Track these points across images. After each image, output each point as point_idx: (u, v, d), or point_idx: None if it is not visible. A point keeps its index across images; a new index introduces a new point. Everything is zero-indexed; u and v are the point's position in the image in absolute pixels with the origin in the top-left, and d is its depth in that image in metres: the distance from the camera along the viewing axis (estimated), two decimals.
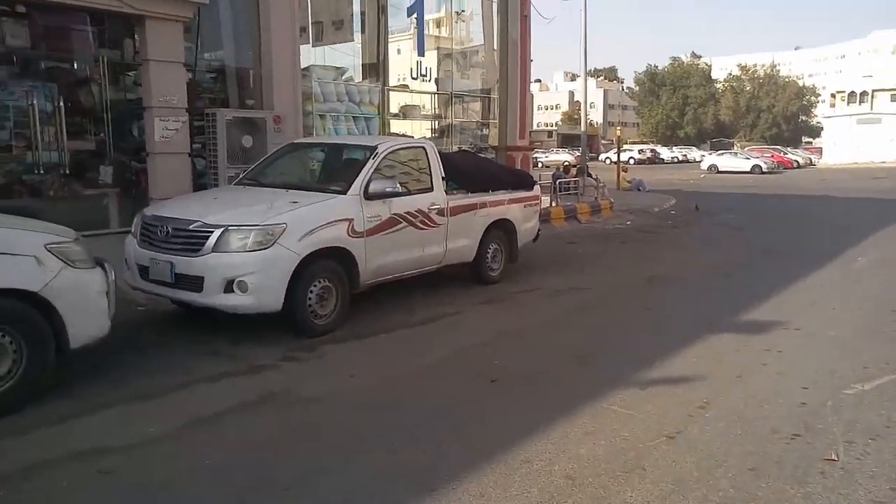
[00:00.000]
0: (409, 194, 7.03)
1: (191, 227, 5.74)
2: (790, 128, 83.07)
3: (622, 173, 23.92)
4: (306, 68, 10.76)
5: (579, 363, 5.37)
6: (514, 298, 7.64)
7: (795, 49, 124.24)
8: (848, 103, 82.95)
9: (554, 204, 14.50)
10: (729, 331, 6.25)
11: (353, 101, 11.45)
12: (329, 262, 6.09)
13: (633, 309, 7.25)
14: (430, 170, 7.36)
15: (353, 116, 11.45)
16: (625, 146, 62.21)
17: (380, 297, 7.08)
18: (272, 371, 5.15)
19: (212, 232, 5.62)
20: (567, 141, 64.68)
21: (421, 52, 12.75)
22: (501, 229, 8.42)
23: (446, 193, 7.51)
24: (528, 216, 8.95)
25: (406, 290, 7.39)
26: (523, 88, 15.20)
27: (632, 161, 48.97)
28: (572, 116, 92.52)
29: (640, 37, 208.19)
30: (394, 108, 12.96)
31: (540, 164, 51.28)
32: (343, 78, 11.51)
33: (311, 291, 5.92)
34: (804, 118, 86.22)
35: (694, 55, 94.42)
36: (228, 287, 5.54)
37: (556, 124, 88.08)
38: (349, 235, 6.21)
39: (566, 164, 26.69)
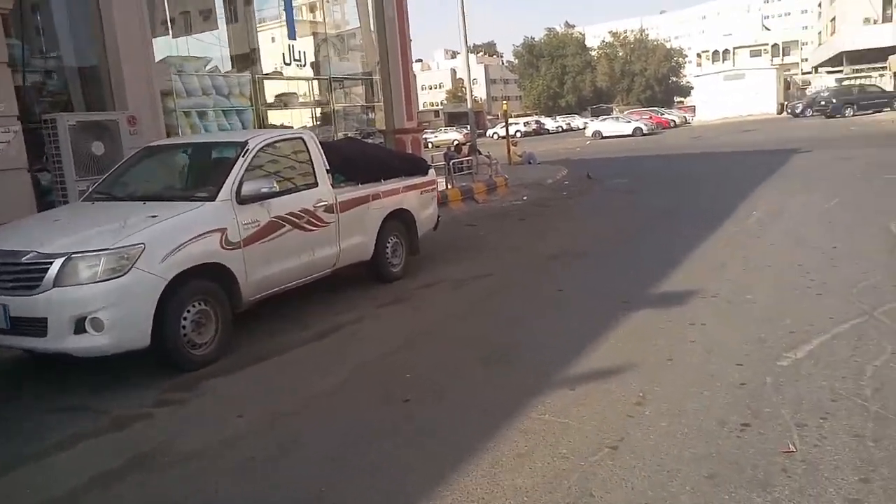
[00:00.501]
0: (290, 192, 6.26)
1: (24, 259, 4.74)
2: (662, 89, 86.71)
3: (512, 147, 23.80)
4: (162, 60, 9.62)
5: (497, 364, 4.84)
6: (417, 295, 7.05)
7: (661, 13, 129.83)
8: (713, 62, 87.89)
9: (450, 186, 14.00)
10: (646, 306, 5.92)
11: (222, 93, 10.41)
12: (203, 281, 5.25)
13: (542, 292, 6.82)
14: (311, 163, 6.60)
15: (224, 111, 10.42)
16: (510, 120, 63.06)
17: (268, 314, 6.29)
18: (142, 422, 4.30)
19: (51, 262, 4.65)
20: (454, 119, 64.58)
21: (292, 35, 11.80)
22: (399, 220, 7.79)
23: (334, 187, 6.78)
24: (427, 203, 8.35)
25: (298, 301, 6.63)
26: (405, 68, 14.54)
27: (519, 134, 49.36)
28: (456, 94, 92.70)
29: (515, 10, 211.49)
30: (270, 98, 11.98)
31: (430, 145, 51.01)
32: (206, 69, 10.42)
33: (185, 318, 5.07)
34: (674, 79, 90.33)
35: (567, 25, 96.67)
36: (79, 327, 4.62)
37: (442, 103, 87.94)
38: (223, 248, 5.38)
39: (456, 142, 26.38)
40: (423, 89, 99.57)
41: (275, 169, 6.28)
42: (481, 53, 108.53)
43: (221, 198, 5.54)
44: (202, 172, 6.31)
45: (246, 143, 6.03)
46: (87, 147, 7.60)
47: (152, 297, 4.80)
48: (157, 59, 9.50)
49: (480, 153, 17.92)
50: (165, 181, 6.43)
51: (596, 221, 10.95)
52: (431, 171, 8.67)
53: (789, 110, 48.42)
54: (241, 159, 5.84)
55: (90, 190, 6.31)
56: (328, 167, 6.73)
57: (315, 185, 6.55)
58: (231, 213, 5.53)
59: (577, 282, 7.14)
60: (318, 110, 13.04)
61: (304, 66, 12.24)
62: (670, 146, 29.21)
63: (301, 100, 12.03)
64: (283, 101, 11.64)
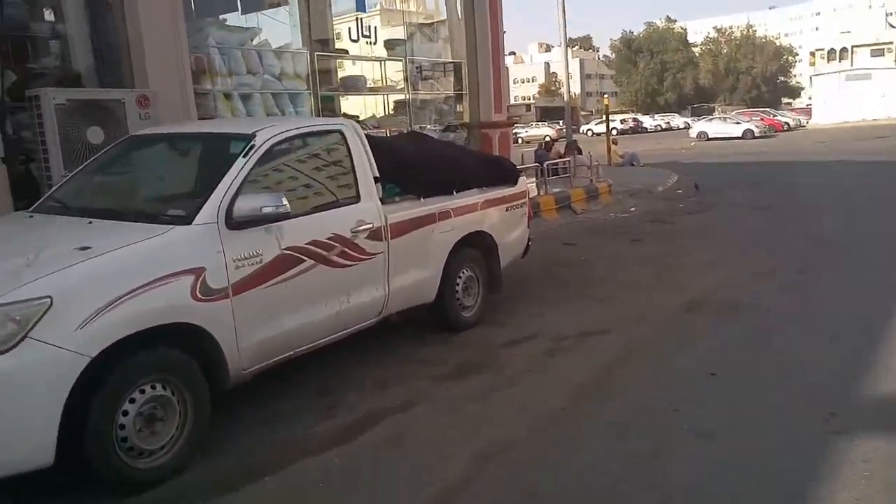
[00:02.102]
0: (316, 211, 4.27)
1: None
2: (770, 89, 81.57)
3: (612, 146, 21.23)
4: (198, 30, 7.87)
5: None
6: (500, 360, 4.90)
7: (770, 8, 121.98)
8: (828, 61, 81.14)
9: (541, 191, 11.76)
10: (876, 433, 3.58)
11: (272, 73, 8.57)
12: (160, 353, 3.33)
13: (686, 374, 4.54)
14: (352, 168, 4.58)
15: (274, 94, 8.57)
16: (605, 117, 59.63)
17: (268, 379, 4.31)
18: None
19: None
20: (546, 114, 62.09)
21: (361, 6, 9.87)
22: (476, 247, 5.69)
23: (384, 202, 4.75)
24: (514, 223, 6.21)
25: (323, 360, 4.63)
26: (496, 54, 12.33)
27: (615, 132, 46.24)
28: (549, 88, 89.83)
29: (614, 3, 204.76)
30: (334, 82, 10.10)
31: (520, 140, 48.68)
32: (254, 42, 8.59)
33: (125, 415, 3.17)
34: (783, 79, 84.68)
35: (669, 19, 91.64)
36: None
37: (534, 97, 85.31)
38: (197, 299, 3.44)
39: (548, 139, 24.05)
40: (515, 83, 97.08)
41: (294, 177, 4.31)
42: (577, 47, 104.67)
43: (202, 219, 3.59)
44: (185, 179, 4.38)
45: (252, 136, 4.06)
46: (80, 133, 5.86)
47: (58, 389, 2.90)
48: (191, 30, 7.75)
49: (580, 152, 15.53)
50: (134, 189, 4.53)
51: (736, 251, 8.43)
52: (522, 179, 6.51)
53: None
54: (239, 161, 3.88)
55: (47, 194, 4.52)
56: (377, 174, 4.70)
57: (355, 199, 4.54)
58: (214, 243, 3.57)
59: (737, 361, 4.77)
60: (391, 98, 11.07)
61: (376, 44, 10.28)
62: (792, 151, 25.72)
63: (370, 84, 10.09)
64: (348, 84, 9.71)
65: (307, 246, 4.07)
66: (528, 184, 6.70)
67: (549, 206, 11.51)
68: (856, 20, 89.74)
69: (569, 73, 22.47)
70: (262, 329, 3.81)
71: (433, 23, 13.32)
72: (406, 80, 10.54)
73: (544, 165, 12.15)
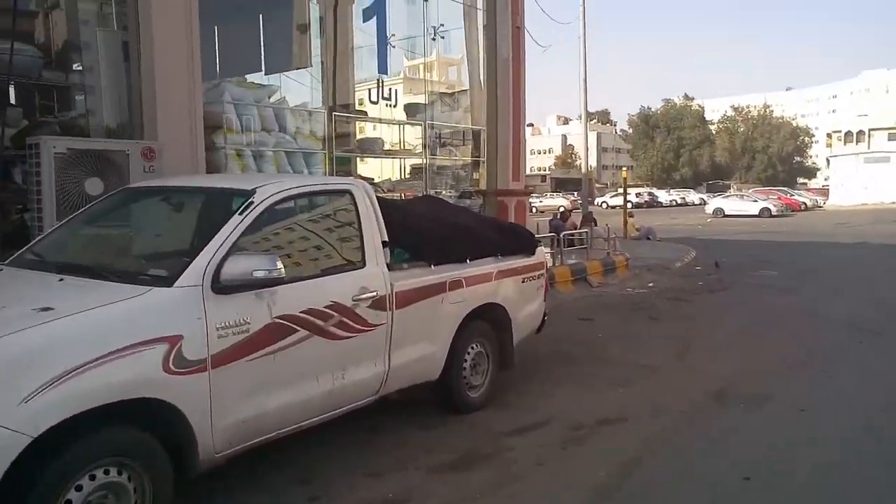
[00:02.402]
0: (315, 277, 3.92)
1: None
2: (785, 168, 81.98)
3: (629, 219, 20.96)
4: (214, 85, 7.74)
5: None
6: (506, 452, 4.41)
7: (787, 90, 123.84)
8: (845, 143, 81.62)
9: (557, 262, 11.40)
10: None
11: (287, 131, 8.40)
12: (116, 433, 2.93)
13: (715, 478, 4.04)
14: (360, 230, 4.25)
15: (288, 153, 8.39)
16: (620, 190, 59.88)
17: (248, 464, 3.86)
18: None
19: None
20: (560, 185, 62.56)
21: (382, 69, 9.79)
22: (487, 321, 5.29)
23: (392, 269, 4.40)
24: (530, 295, 5.81)
25: (307, 439, 4.18)
26: (516, 122, 12.25)
27: (629, 205, 46.16)
28: (565, 160, 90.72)
29: (632, 79, 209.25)
30: (351, 143, 9.94)
31: (534, 210, 48.63)
32: (271, 99, 8.46)
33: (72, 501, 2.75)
34: (799, 159, 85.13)
35: (686, 97, 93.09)
36: None
37: (549, 168, 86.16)
38: (170, 371, 3.05)
39: (562, 209, 23.87)
40: (531, 153, 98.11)
41: (295, 238, 3.99)
42: (594, 121, 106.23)
43: (185, 281, 3.24)
44: (175, 235, 4.06)
45: (252, 192, 3.75)
46: (77, 183, 5.62)
47: None
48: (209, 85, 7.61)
49: (596, 224, 15.23)
50: (120, 244, 4.21)
51: (760, 335, 7.94)
52: (540, 249, 6.15)
53: None
54: (234, 219, 3.55)
55: (27, 247, 4.20)
56: (385, 238, 4.37)
57: (360, 264, 4.19)
58: (196, 308, 3.21)
59: (773, 463, 4.28)
60: (408, 162, 10.90)
61: (396, 107, 10.16)
62: (811, 232, 25.30)
63: (387, 147, 9.91)
64: (364, 146, 9.54)
65: (302, 315, 3.69)
66: (544, 252, 6.33)
67: (565, 278, 11.11)
68: (873, 103, 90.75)
69: (587, 151, 22.44)
70: (242, 407, 3.40)
71: (454, 92, 13.33)
72: (424, 144, 10.38)
73: (560, 235, 11.81)
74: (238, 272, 3.32)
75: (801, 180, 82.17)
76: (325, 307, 3.83)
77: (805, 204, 46.27)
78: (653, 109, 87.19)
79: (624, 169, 23.11)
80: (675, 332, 7.97)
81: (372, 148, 9.62)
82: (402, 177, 10.85)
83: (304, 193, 4.14)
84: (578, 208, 27.85)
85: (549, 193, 59.87)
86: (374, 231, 4.30)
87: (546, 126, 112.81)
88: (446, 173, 11.21)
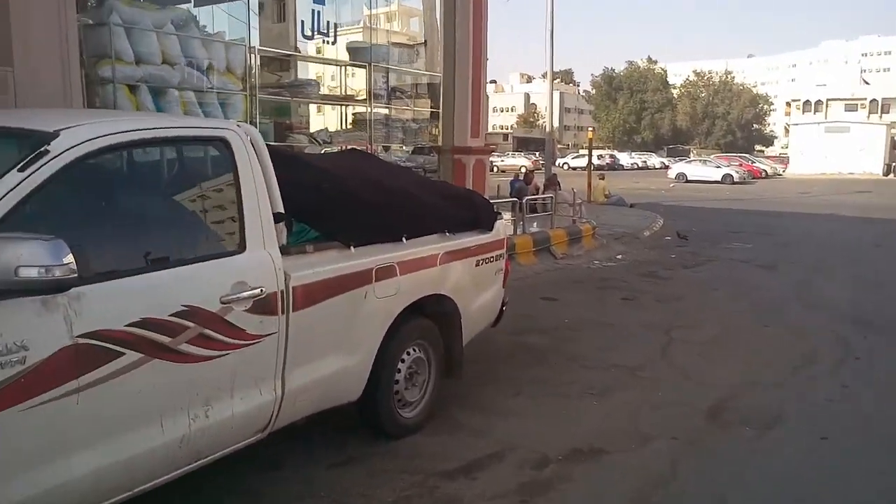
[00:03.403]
0: (156, 269, 2.57)
1: None
2: (744, 135, 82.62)
3: (600, 182, 19.85)
4: (100, 2, 6.16)
5: None
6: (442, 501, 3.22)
7: (748, 57, 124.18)
8: (803, 112, 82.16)
9: (518, 231, 10.18)
10: None
11: (197, 66, 6.88)
12: None
13: None
14: (237, 198, 2.90)
15: (198, 92, 6.87)
16: (581, 151, 58.88)
17: None
18: None
19: None
20: (523, 144, 61.30)
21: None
22: (430, 317, 4.03)
23: (289, 254, 3.08)
24: (486, 282, 4.57)
25: (170, 488, 2.91)
26: (477, 70, 10.80)
27: (594, 167, 45.21)
28: (528, 119, 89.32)
29: (596, 40, 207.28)
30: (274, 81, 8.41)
31: (496, 169, 47.33)
32: (172, 23, 6.86)
33: None
34: (757, 126, 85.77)
35: (650, 60, 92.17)
36: None
37: (512, 127, 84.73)
38: None
39: (524, 169, 22.67)
40: (494, 111, 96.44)
41: (126, 211, 2.63)
42: (558, 80, 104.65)
43: None
44: None
45: (52, 136, 2.35)
46: None
47: None
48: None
49: (560, 187, 14.04)
50: None
51: (753, 327, 6.81)
52: (500, 223, 4.88)
53: None
54: (9, 178, 2.18)
55: None
56: (281, 209, 3.03)
57: (237, 248, 2.85)
58: None
59: None
60: (350, 111, 9.44)
61: (334, 42, 8.61)
62: (776, 201, 24.68)
63: (324, 91, 8.42)
64: (295, 89, 8.04)
65: (130, 329, 2.37)
66: (506, 227, 5.05)
67: (527, 249, 9.91)
68: (831, 74, 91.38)
69: (544, 106, 21.12)
70: (16, 482, 2.09)
71: (415, 45, 11.86)
72: (369, 91, 8.91)
73: (523, 201, 10.56)
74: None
75: (758, 147, 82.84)
76: (172, 315, 2.50)
77: (766, 171, 46.04)
78: (616, 71, 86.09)
79: (590, 129, 21.89)
80: (654, 319, 6.85)
81: (305, 91, 8.11)
82: (343, 127, 9.41)
83: (144, 141, 2.72)
84: (541, 168, 26.67)
85: (510, 153, 58.54)
86: (260, 199, 2.95)
87: (509, 83, 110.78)
88: (396, 126, 9.78)
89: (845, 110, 78.59)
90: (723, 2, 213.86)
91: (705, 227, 15.62)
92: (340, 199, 3.47)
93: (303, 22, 8.39)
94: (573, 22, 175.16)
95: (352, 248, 3.41)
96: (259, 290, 2.84)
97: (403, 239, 3.77)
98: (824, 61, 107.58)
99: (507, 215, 11.20)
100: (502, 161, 50.93)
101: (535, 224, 11.51)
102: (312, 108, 9.58)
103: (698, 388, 4.86)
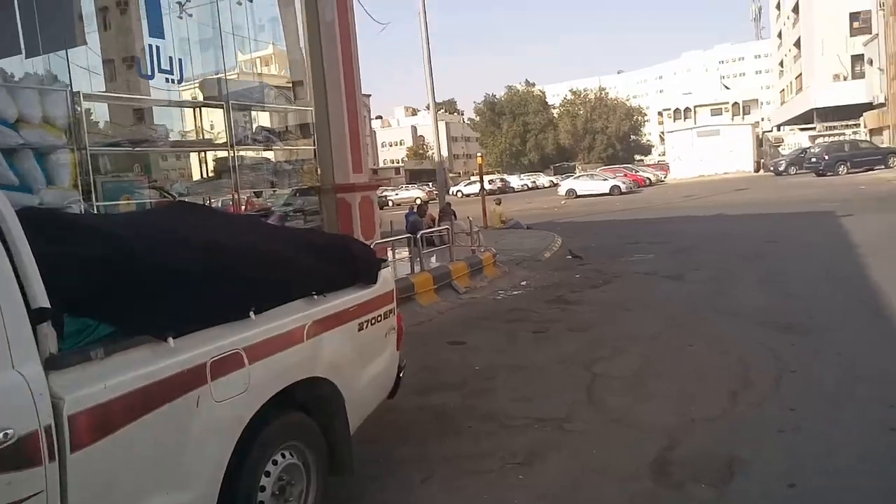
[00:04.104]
0: None
1: None
2: (624, 147, 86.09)
3: (496, 208, 19.46)
4: None
5: None
6: None
7: (618, 73, 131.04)
8: (674, 119, 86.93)
9: (416, 269, 9.36)
10: None
11: (2, 117, 5.66)
12: None
13: None
14: None
15: (6, 151, 5.65)
16: (473, 178, 59.27)
17: None
18: None
19: None
20: (415, 176, 61.11)
21: (156, 32, 7.15)
22: (303, 408, 3.11)
23: (64, 368, 2.09)
24: (374, 349, 3.69)
25: None
26: (351, 99, 10.03)
27: (485, 191, 45.36)
28: (417, 151, 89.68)
29: (475, 69, 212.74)
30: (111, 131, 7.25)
31: (391, 203, 46.65)
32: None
33: None
34: (635, 137, 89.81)
35: (528, 83, 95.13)
36: None
37: (402, 160, 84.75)
38: None
39: (418, 201, 22.12)
40: (383, 146, 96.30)
41: None
42: (442, 111, 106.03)
43: None
44: None
45: None
46: None
47: None
48: None
49: (456, 217, 13.39)
50: None
51: (676, 347, 6.29)
52: (386, 272, 4.02)
53: (771, 168, 45.48)
54: None
55: None
56: (45, 304, 2.05)
57: None
58: None
59: None
60: (212, 156, 8.37)
61: (180, 81, 7.53)
62: (663, 207, 25.22)
63: (176, 138, 7.33)
64: (136, 136, 6.90)
65: None
66: (392, 275, 4.19)
67: (427, 287, 9.10)
68: (695, 83, 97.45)
69: (438, 135, 20.68)
70: None
71: (286, 83, 10.92)
72: (229, 130, 7.88)
73: (418, 235, 9.78)
74: None
75: (637, 157, 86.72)
76: None
77: (649, 179, 47.78)
78: (497, 96, 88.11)
79: (479, 155, 21.60)
80: (570, 352, 6.18)
81: (150, 137, 6.99)
82: (206, 175, 8.32)
83: None
84: (435, 199, 26.17)
85: (404, 186, 58.19)
86: (6, 292, 1.96)
87: (395, 118, 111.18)
88: (265, 169, 8.78)
89: (711, 115, 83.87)
90: (591, 24, 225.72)
91: (603, 241, 15.43)
92: (144, 271, 2.49)
93: (138, 60, 7.30)
94: (452, 52, 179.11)
95: (170, 339, 2.44)
96: (8, 432, 1.84)
97: (251, 314, 2.84)
98: (687, 70, 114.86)
99: (403, 252, 10.49)
100: (396, 195, 50.45)
101: (433, 258, 10.76)
102: (172, 157, 8.42)
103: (636, 438, 4.15)
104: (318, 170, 9.42)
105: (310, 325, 3.15)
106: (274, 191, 8.83)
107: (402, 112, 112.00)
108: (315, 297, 3.26)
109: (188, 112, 8.04)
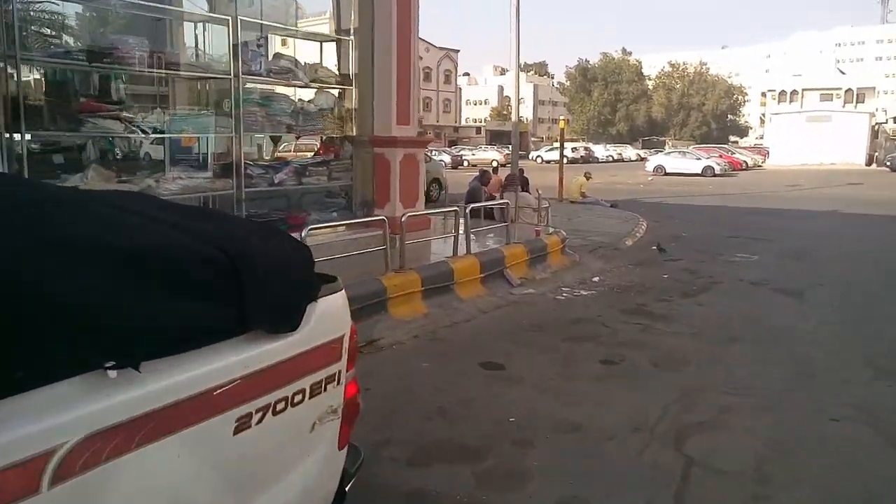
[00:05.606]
0: None
1: None
2: (719, 126, 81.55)
3: (583, 181, 17.33)
4: None
5: None
6: None
7: (723, 48, 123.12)
8: (778, 102, 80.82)
9: (463, 250, 7.44)
10: None
11: None
12: None
13: None
14: None
15: None
16: (555, 143, 56.30)
17: None
18: None
19: None
20: (496, 138, 58.69)
21: None
22: None
23: None
24: (276, 461, 1.85)
25: None
26: (405, 29, 8.10)
27: (565, 160, 42.76)
28: (501, 112, 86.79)
29: (570, 31, 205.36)
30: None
31: (466, 163, 44.60)
32: None
33: None
34: (732, 117, 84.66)
35: (624, 51, 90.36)
36: None
37: (485, 120, 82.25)
38: None
39: (494, 163, 20.18)
40: (467, 104, 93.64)
41: None
42: (532, 72, 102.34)
43: None
44: None
45: None
46: None
47: None
48: None
49: (525, 187, 11.36)
50: None
51: (805, 410, 4.26)
52: (327, 308, 2.12)
53: (887, 163, 40.81)
54: None
55: None
56: None
57: None
58: None
59: None
60: (214, 86, 6.64)
61: None
62: (765, 196, 22.23)
63: (163, 55, 5.56)
64: (91, 52, 5.15)
65: None
66: (347, 310, 2.29)
67: (471, 275, 7.20)
68: (805, 65, 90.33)
69: (519, 95, 18.45)
70: None
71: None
72: (232, 52, 6.11)
73: (467, 210, 7.83)
74: None
75: (732, 138, 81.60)
76: None
77: (746, 163, 43.88)
78: (591, 62, 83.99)
79: (562, 119, 19.18)
80: (652, 410, 4.19)
81: (114, 55, 5.26)
82: (198, 108, 6.60)
83: None
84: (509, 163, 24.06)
85: (483, 146, 55.95)
86: None
87: (483, 76, 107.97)
88: (281, 108, 6.95)
89: (820, 100, 77.39)
90: None
91: (696, 229, 13.12)
92: None
93: None
94: (548, 14, 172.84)
95: None
96: None
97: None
98: (798, 52, 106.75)
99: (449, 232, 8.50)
100: (473, 155, 48.30)
101: (490, 238, 8.83)
102: (148, 81, 6.61)
103: None
104: (354, 116, 7.58)
105: (72, 446, 1.34)
106: (297, 137, 7.05)
107: (491, 71, 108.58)
108: (108, 372, 1.43)
109: (188, 26, 6.32)
